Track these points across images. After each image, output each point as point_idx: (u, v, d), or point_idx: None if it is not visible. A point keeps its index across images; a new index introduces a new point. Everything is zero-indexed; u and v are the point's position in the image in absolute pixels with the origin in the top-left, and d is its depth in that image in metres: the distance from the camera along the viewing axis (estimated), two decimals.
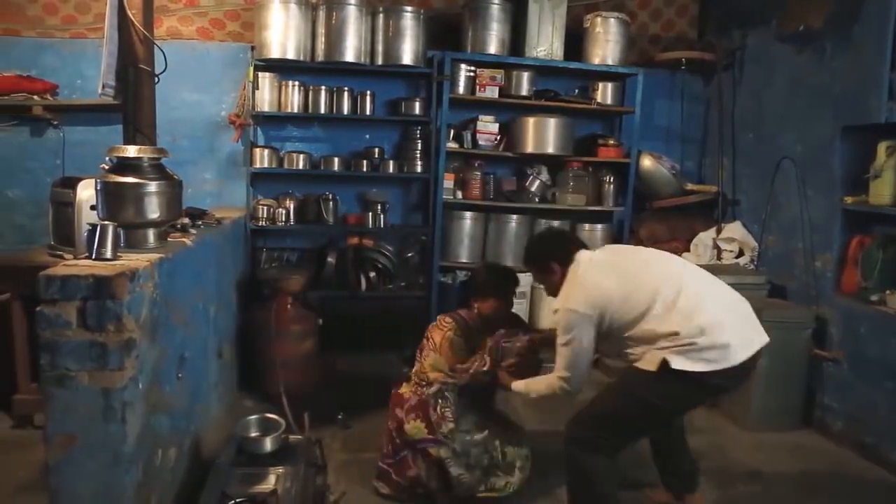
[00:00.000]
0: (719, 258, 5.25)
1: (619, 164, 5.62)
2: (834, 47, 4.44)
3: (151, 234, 2.88)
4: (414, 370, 3.48)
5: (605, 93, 5.59)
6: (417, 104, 5.39)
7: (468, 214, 5.48)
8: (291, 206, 5.33)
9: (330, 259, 5.35)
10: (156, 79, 3.20)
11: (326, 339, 4.83)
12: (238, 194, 5.31)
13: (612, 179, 5.62)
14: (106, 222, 2.58)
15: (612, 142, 5.63)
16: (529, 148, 5.37)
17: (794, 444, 4.26)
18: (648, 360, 2.83)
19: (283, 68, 5.18)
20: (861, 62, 4.19)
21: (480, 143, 5.48)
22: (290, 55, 4.97)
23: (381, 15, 5.12)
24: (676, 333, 2.78)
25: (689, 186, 5.74)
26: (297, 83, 5.20)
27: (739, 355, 2.79)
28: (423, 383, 3.35)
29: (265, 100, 5.17)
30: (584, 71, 5.57)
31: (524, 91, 5.41)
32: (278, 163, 5.29)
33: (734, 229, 5.30)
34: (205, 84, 5.31)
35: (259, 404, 4.29)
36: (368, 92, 5.34)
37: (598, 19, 5.40)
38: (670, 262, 3.14)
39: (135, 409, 2.43)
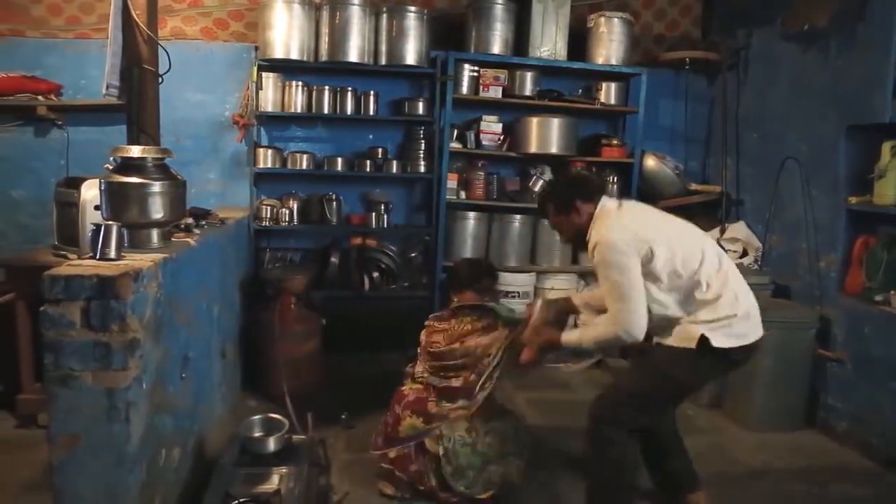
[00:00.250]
0: None
1: (622, 165, 5.61)
2: (839, 47, 4.43)
3: (155, 234, 2.89)
4: (417, 370, 3.49)
5: (608, 93, 5.59)
6: (421, 104, 5.39)
7: (471, 214, 5.48)
8: (295, 207, 5.33)
9: (333, 259, 5.36)
10: (160, 79, 3.21)
11: (330, 340, 4.83)
12: (242, 194, 5.32)
13: (615, 179, 5.61)
14: (110, 222, 2.59)
15: (615, 142, 5.62)
16: (533, 148, 5.36)
17: (798, 444, 4.25)
18: (683, 337, 2.86)
19: (286, 68, 5.18)
20: (866, 61, 4.18)
21: (484, 143, 5.48)
22: (294, 55, 4.97)
23: (384, 15, 5.12)
24: (719, 297, 2.88)
25: (693, 186, 5.73)
26: (300, 83, 5.20)
27: (758, 330, 2.96)
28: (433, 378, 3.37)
29: (269, 100, 5.18)
30: (587, 71, 5.56)
31: (528, 91, 5.41)
32: (282, 163, 5.29)
33: (738, 229, 5.28)
34: (209, 84, 5.31)
35: (262, 404, 4.29)
36: (372, 92, 5.34)
37: (602, 19, 5.40)
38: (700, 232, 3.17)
39: (138, 409, 2.43)
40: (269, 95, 5.17)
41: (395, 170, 5.38)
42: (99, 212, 2.80)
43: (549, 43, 5.32)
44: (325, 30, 5.03)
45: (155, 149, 2.91)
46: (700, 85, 5.96)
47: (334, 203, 5.36)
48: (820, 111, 4.59)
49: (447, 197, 5.35)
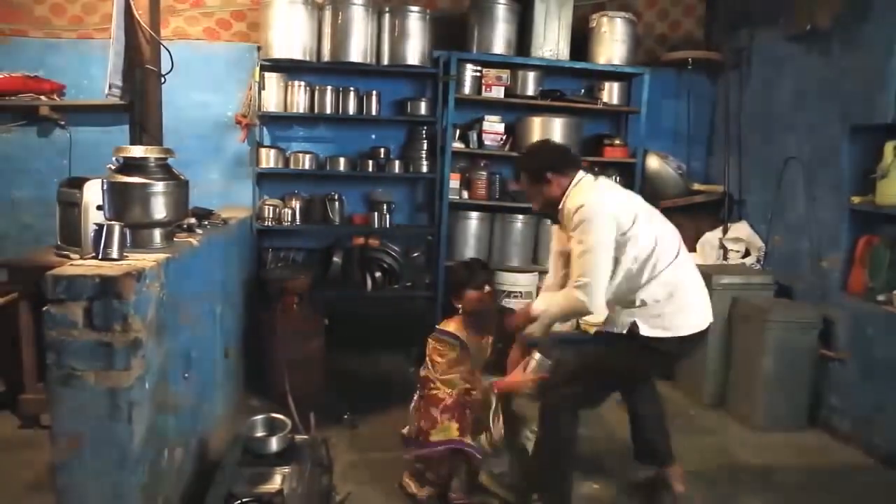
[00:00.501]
0: (725, 258, 5.24)
1: (625, 164, 5.60)
2: (841, 47, 4.43)
3: (158, 234, 2.88)
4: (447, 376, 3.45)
5: (611, 93, 5.58)
6: (423, 104, 5.39)
7: (474, 214, 5.47)
8: (297, 206, 5.34)
9: (336, 259, 5.36)
10: (162, 79, 3.22)
11: (332, 339, 4.82)
12: (244, 194, 5.32)
13: (618, 179, 5.59)
14: (112, 222, 2.59)
15: (618, 142, 5.61)
16: None
17: (801, 444, 4.25)
18: (618, 323, 3.05)
19: (289, 68, 5.19)
20: (869, 62, 4.17)
21: (486, 142, 5.47)
22: (297, 55, 4.98)
23: (387, 15, 5.12)
24: (658, 288, 3.01)
25: (696, 186, 5.73)
26: (303, 83, 5.21)
27: (699, 323, 3.13)
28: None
29: (271, 100, 5.18)
30: (590, 71, 5.56)
31: (530, 91, 5.41)
32: (284, 163, 5.30)
33: (740, 229, 5.28)
34: (211, 84, 5.32)
35: (265, 404, 4.29)
36: (374, 92, 5.34)
37: (605, 19, 5.40)
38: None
39: (141, 408, 2.43)
40: (272, 95, 5.18)
41: (397, 170, 5.38)
42: (101, 212, 2.80)
43: (552, 43, 5.32)
44: (327, 30, 5.03)
45: (157, 149, 2.91)
46: (702, 85, 5.95)
47: (337, 203, 5.36)
48: (823, 111, 4.58)
49: (449, 197, 5.34)
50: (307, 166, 5.29)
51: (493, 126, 5.48)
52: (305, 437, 3.27)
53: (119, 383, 2.33)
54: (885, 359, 3.98)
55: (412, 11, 5.08)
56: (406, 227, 5.75)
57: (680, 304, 3.06)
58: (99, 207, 2.86)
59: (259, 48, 5.08)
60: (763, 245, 5.15)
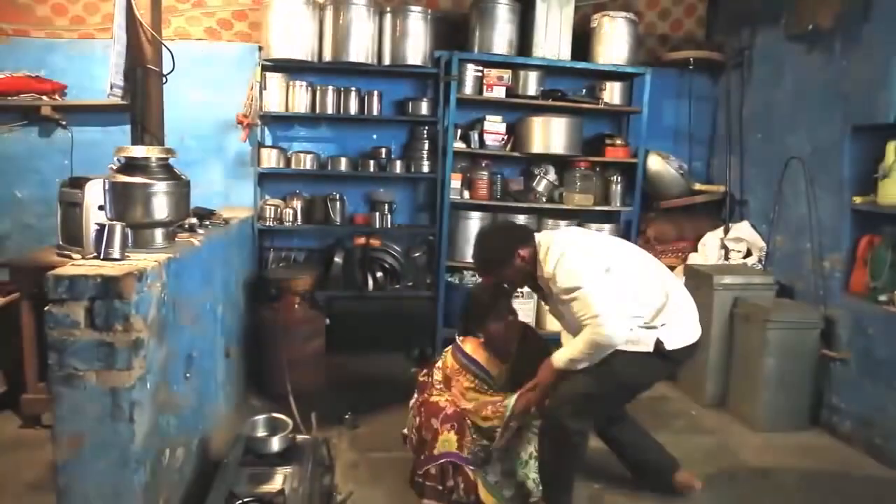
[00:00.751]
0: (727, 258, 5.24)
1: (626, 164, 5.60)
2: (843, 47, 4.42)
3: (159, 234, 2.88)
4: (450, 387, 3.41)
5: (612, 92, 5.58)
6: (425, 104, 5.40)
7: (475, 214, 5.47)
8: (299, 206, 5.34)
9: (337, 259, 5.36)
10: (164, 79, 3.21)
11: (334, 339, 4.84)
12: (245, 194, 5.32)
13: (619, 179, 5.61)
14: (114, 222, 2.59)
15: (619, 142, 5.61)
16: (536, 148, 5.36)
17: (803, 444, 4.24)
18: (641, 341, 3.04)
19: (290, 68, 5.19)
20: (870, 61, 4.17)
21: (487, 142, 5.47)
22: (298, 55, 4.98)
23: (388, 15, 5.13)
24: (664, 304, 3.11)
25: (697, 186, 5.73)
26: (304, 83, 5.21)
27: (697, 332, 3.21)
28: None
29: (273, 100, 5.19)
30: (591, 71, 5.56)
31: (531, 91, 5.41)
32: (286, 163, 5.30)
33: (742, 229, 5.28)
34: (212, 84, 5.32)
35: (266, 404, 4.29)
36: (376, 92, 5.35)
37: (606, 19, 5.39)
38: (645, 258, 3.33)
39: (143, 408, 2.43)
40: (273, 95, 5.18)
41: (398, 170, 5.38)
42: (103, 212, 2.80)
43: (553, 43, 5.32)
44: (328, 30, 5.04)
45: (159, 149, 2.91)
46: (704, 85, 5.94)
47: (338, 203, 5.37)
48: (824, 111, 4.58)
49: (451, 197, 5.34)
50: (308, 166, 5.30)
51: (495, 126, 5.48)
52: (306, 436, 3.28)
53: (120, 383, 2.33)
54: (887, 359, 3.97)
55: (413, 11, 5.08)
56: (407, 227, 5.75)
57: (685, 309, 3.19)
58: (100, 207, 2.87)
59: (260, 48, 5.08)
60: (764, 245, 5.14)
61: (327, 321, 4.71)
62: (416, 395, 3.50)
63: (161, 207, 2.80)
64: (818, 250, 4.60)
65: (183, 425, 2.96)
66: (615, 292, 2.96)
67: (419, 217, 5.82)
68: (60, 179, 4.12)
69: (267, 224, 5.23)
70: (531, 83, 5.40)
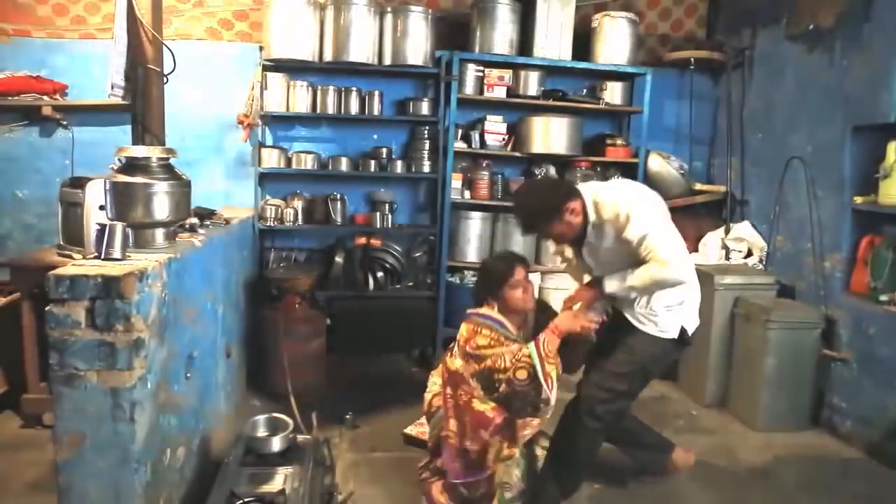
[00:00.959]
0: (728, 258, 5.24)
1: (627, 164, 5.60)
2: (844, 47, 4.42)
3: (160, 233, 2.89)
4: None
5: (613, 93, 5.57)
6: (425, 104, 5.39)
7: (476, 214, 5.47)
8: (299, 206, 5.34)
9: (338, 259, 5.36)
10: (165, 79, 3.21)
11: (334, 339, 4.84)
12: (246, 194, 5.33)
13: (618, 178, 5.60)
14: (115, 222, 2.59)
15: (620, 142, 5.61)
16: (537, 148, 5.36)
17: (803, 443, 4.24)
18: (663, 327, 3.12)
19: (291, 68, 5.19)
20: (871, 62, 4.17)
21: (488, 142, 5.48)
22: (299, 55, 4.98)
23: (389, 15, 5.13)
24: (692, 288, 3.19)
25: (698, 186, 5.73)
26: (305, 83, 5.21)
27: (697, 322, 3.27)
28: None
29: (273, 100, 5.18)
30: (592, 71, 5.55)
31: (532, 91, 5.41)
32: (286, 163, 5.30)
33: (743, 229, 5.28)
34: (213, 84, 5.32)
35: (267, 404, 4.30)
36: (376, 92, 5.35)
37: (607, 19, 5.39)
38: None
39: (143, 408, 2.43)
40: (274, 95, 5.18)
41: (399, 170, 5.38)
42: (104, 212, 2.81)
43: (554, 43, 5.31)
44: (329, 30, 5.04)
45: (160, 149, 2.91)
46: (705, 85, 5.94)
47: (339, 203, 5.36)
48: (825, 111, 4.58)
49: (451, 197, 5.34)
50: (309, 166, 5.30)
51: (496, 126, 5.48)
52: (307, 436, 3.28)
53: (121, 383, 2.33)
54: (887, 359, 3.97)
55: (414, 11, 5.08)
56: (408, 227, 5.74)
57: (698, 288, 3.27)
58: (101, 207, 2.87)
59: (261, 48, 5.08)
60: (765, 245, 5.14)
61: (328, 321, 4.71)
62: (447, 390, 3.10)
63: (162, 207, 2.80)
64: (819, 250, 4.60)
65: (183, 425, 2.96)
66: (678, 241, 3.03)
67: (420, 217, 5.82)
68: (61, 179, 4.13)
69: (268, 224, 5.23)
70: (532, 83, 5.40)
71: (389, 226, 5.45)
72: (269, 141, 5.46)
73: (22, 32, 5.11)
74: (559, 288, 5.39)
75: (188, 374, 3.01)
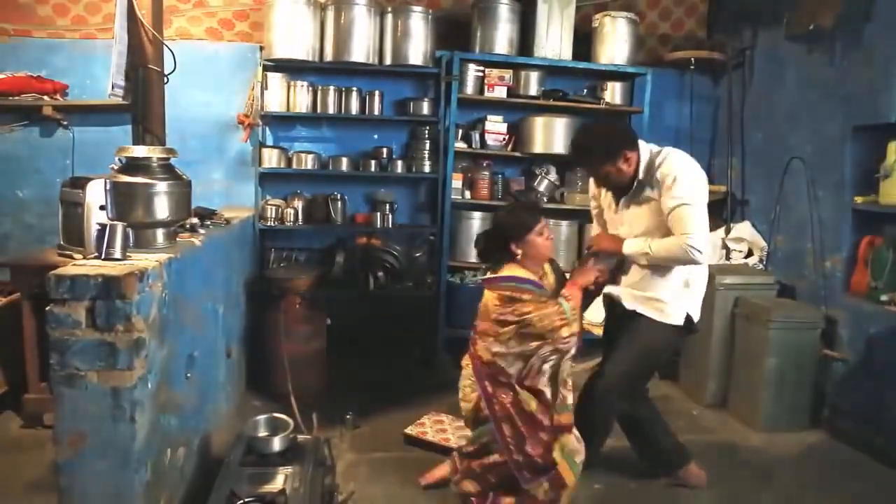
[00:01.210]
0: (728, 258, 5.23)
1: None
2: (844, 47, 4.42)
3: (160, 233, 2.89)
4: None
5: (613, 93, 5.57)
6: (426, 104, 5.39)
7: (476, 214, 5.47)
8: (300, 206, 5.34)
9: (338, 259, 5.37)
10: (165, 79, 3.21)
11: (335, 339, 4.83)
12: (247, 194, 5.32)
13: None
14: (115, 222, 2.59)
15: None
16: (538, 148, 5.36)
17: (803, 443, 4.24)
18: (673, 314, 3.19)
19: (291, 68, 5.19)
20: (872, 62, 4.17)
21: (489, 142, 5.48)
22: (299, 55, 4.98)
23: (389, 15, 5.12)
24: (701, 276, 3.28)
25: None
26: (305, 83, 5.21)
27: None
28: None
29: (274, 100, 5.18)
30: (592, 71, 5.55)
31: (533, 91, 5.40)
32: (287, 163, 5.30)
33: (743, 229, 5.27)
34: (214, 84, 5.32)
35: (267, 404, 4.30)
36: (377, 92, 5.34)
37: (607, 19, 5.39)
38: None
39: (144, 408, 2.44)
40: (274, 95, 5.18)
41: (399, 170, 5.38)
42: (104, 212, 2.81)
43: (555, 43, 5.31)
44: (329, 30, 5.03)
45: (160, 149, 2.91)
46: (705, 85, 5.94)
47: (339, 203, 5.36)
48: (826, 111, 4.58)
49: (452, 197, 5.34)
50: (309, 166, 5.29)
51: (496, 126, 5.48)
52: (308, 436, 3.28)
53: (122, 383, 2.34)
54: (888, 359, 3.97)
55: (414, 11, 5.08)
56: (408, 227, 5.74)
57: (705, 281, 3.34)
58: (102, 207, 2.87)
59: (262, 48, 5.08)
60: (766, 245, 5.14)
61: (328, 321, 4.71)
62: (485, 384, 3.06)
63: (162, 207, 2.81)
64: (819, 250, 4.60)
65: (184, 425, 2.96)
66: (707, 224, 3.06)
67: (420, 217, 5.81)
68: (62, 179, 4.13)
69: (268, 224, 5.23)
70: (532, 83, 5.39)
71: (390, 226, 5.44)
72: (269, 141, 5.46)
73: (22, 32, 5.11)
74: None
75: (188, 375, 3.02)
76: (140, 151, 2.84)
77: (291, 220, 5.28)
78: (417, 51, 5.11)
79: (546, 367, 3.00)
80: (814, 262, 4.64)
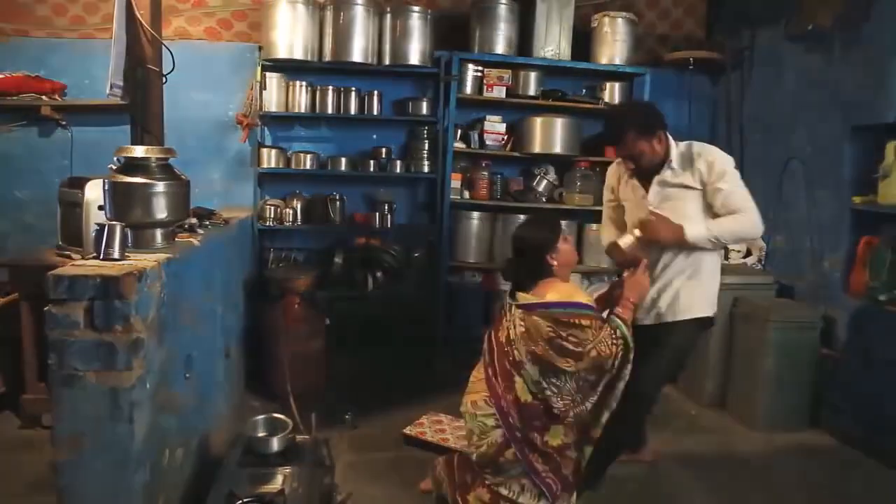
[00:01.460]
0: (727, 258, 5.23)
1: None
2: (843, 47, 4.42)
3: (159, 234, 2.88)
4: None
5: (612, 93, 5.57)
6: (425, 104, 5.39)
7: (475, 214, 5.47)
8: (299, 207, 5.34)
9: (337, 259, 5.37)
10: (164, 79, 3.21)
11: (334, 339, 4.83)
12: (245, 194, 5.32)
13: None
14: (114, 222, 2.58)
15: None
16: (537, 148, 5.36)
17: (802, 443, 4.24)
18: (700, 306, 3.29)
19: (290, 68, 5.19)
20: (871, 62, 4.17)
21: (488, 143, 5.48)
22: (298, 55, 4.98)
23: (388, 15, 5.12)
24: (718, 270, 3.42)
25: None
26: (304, 83, 5.21)
27: None
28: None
29: (273, 100, 5.18)
30: (591, 71, 5.55)
31: (531, 91, 5.40)
32: (286, 163, 5.30)
33: None
34: (212, 84, 5.32)
35: (266, 404, 4.29)
36: (376, 92, 5.35)
37: (606, 19, 5.39)
38: None
39: (142, 408, 2.43)
40: (273, 95, 5.18)
41: (398, 170, 5.38)
42: (103, 212, 2.80)
43: (553, 43, 5.31)
44: (328, 30, 5.03)
45: (159, 149, 2.91)
46: (704, 85, 5.94)
47: (338, 203, 5.36)
48: (824, 111, 4.58)
49: (451, 197, 5.34)
50: (308, 166, 5.29)
51: (495, 126, 5.49)
52: (306, 437, 3.27)
53: (120, 383, 2.33)
54: (886, 358, 3.97)
55: (413, 11, 5.08)
56: (407, 227, 5.74)
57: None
58: (100, 207, 2.86)
59: (260, 48, 5.08)
60: (764, 245, 5.14)
61: (327, 321, 4.71)
62: (515, 422, 2.88)
63: (161, 207, 2.80)
64: (818, 250, 4.60)
65: (183, 425, 2.96)
66: None
67: (419, 217, 5.81)
68: (60, 179, 4.13)
69: (267, 224, 5.23)
70: (531, 83, 5.40)
71: (389, 226, 5.45)
72: (268, 141, 5.46)
73: (20, 32, 5.10)
74: None
75: (187, 375, 3.01)
76: (138, 151, 2.83)
77: (290, 220, 5.28)
78: (416, 51, 5.11)
79: (592, 398, 2.91)
80: (812, 262, 4.65)
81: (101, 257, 2.52)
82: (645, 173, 3.30)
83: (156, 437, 2.58)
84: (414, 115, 5.41)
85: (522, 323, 2.87)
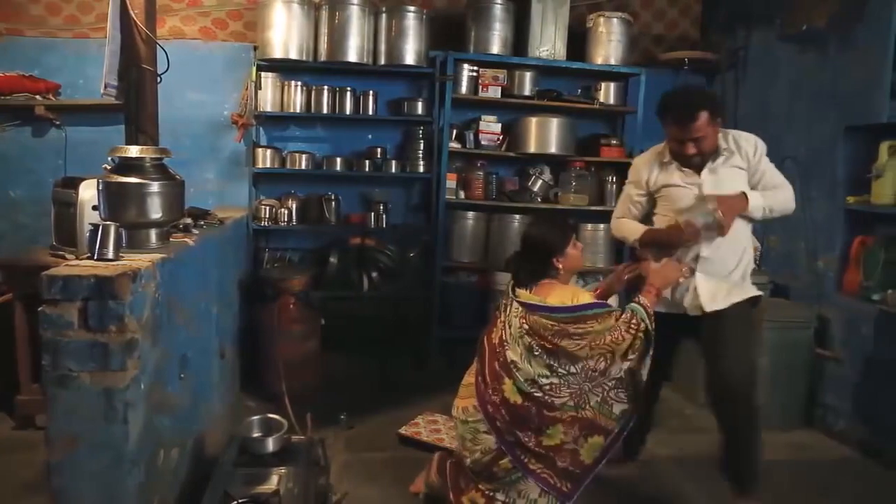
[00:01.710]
0: None
1: (621, 164, 5.58)
2: (837, 47, 4.44)
3: (153, 234, 2.88)
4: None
5: (607, 93, 5.58)
6: (420, 104, 5.39)
7: (471, 214, 5.48)
8: (294, 207, 5.34)
9: (332, 259, 5.36)
10: (158, 78, 3.20)
11: (329, 339, 4.83)
12: (240, 194, 5.32)
13: (614, 179, 5.61)
14: (108, 222, 2.58)
15: (614, 142, 5.62)
16: (532, 148, 5.36)
17: (796, 443, 4.26)
18: (749, 287, 3.34)
19: (285, 68, 5.19)
20: (864, 62, 4.18)
21: (483, 143, 5.48)
22: (293, 55, 4.97)
23: (383, 15, 5.12)
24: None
25: None
26: (299, 83, 5.21)
27: None
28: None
29: (268, 100, 5.18)
30: (586, 71, 5.56)
31: (527, 91, 5.41)
32: (281, 163, 5.29)
33: None
34: (207, 84, 5.31)
35: (261, 404, 4.29)
36: (371, 92, 5.35)
37: (601, 19, 5.40)
38: None
39: (137, 409, 2.42)
40: (268, 95, 5.18)
41: (394, 170, 5.38)
42: (97, 212, 2.79)
43: (549, 43, 5.32)
44: (324, 29, 5.03)
45: (153, 149, 2.90)
46: (699, 85, 5.94)
47: (333, 203, 5.36)
48: (818, 111, 4.59)
49: (446, 197, 5.34)
50: (304, 166, 5.29)
51: (490, 126, 5.49)
52: (302, 437, 3.27)
53: (114, 384, 2.32)
54: (880, 358, 3.99)
55: (409, 11, 5.08)
56: (403, 227, 5.74)
57: None
58: (94, 207, 2.85)
59: (255, 48, 5.08)
60: (759, 245, 5.14)
61: (322, 321, 4.70)
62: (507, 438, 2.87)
63: (155, 207, 2.79)
64: (812, 250, 4.61)
65: (178, 426, 2.95)
66: None
67: (414, 217, 5.81)
68: (54, 179, 4.11)
69: (262, 224, 5.23)
70: (526, 83, 5.40)
71: (384, 226, 5.45)
72: (263, 141, 5.45)
73: (14, 31, 5.09)
74: None
75: (182, 375, 3.00)
76: (133, 151, 2.82)
77: (285, 220, 5.28)
78: (411, 51, 5.11)
79: (612, 393, 2.85)
80: (806, 262, 4.66)
81: (96, 257, 2.51)
82: (692, 160, 3.29)
83: (150, 437, 2.58)
84: (409, 115, 5.41)
85: (524, 319, 2.87)
